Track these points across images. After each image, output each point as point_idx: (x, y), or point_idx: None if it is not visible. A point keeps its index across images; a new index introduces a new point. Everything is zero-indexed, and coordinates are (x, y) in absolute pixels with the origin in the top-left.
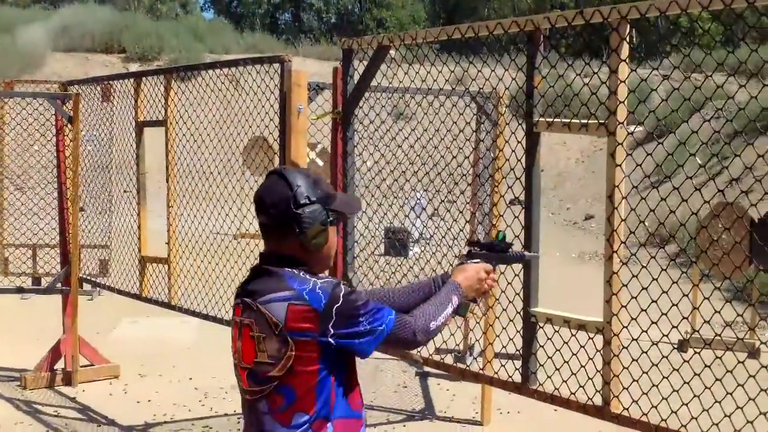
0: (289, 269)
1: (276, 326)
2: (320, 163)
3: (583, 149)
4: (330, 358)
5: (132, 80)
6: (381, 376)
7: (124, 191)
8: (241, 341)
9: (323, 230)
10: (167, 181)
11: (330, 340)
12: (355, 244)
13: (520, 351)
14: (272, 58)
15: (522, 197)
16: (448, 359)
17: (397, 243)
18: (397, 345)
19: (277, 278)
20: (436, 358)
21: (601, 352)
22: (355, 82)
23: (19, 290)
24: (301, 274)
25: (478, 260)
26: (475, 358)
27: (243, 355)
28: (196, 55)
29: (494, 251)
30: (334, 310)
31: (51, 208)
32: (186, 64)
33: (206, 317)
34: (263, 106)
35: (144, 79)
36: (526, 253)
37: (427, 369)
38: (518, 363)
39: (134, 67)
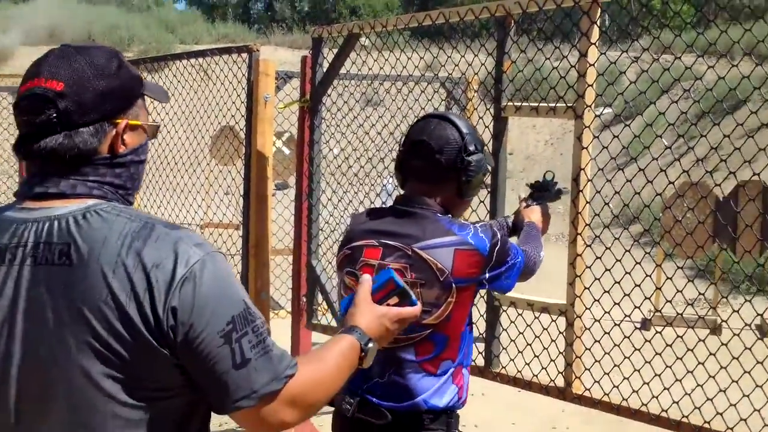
0: (441, 215)
1: (442, 273)
2: (287, 151)
3: (553, 132)
4: (473, 301)
5: None
6: None
7: None
8: None
9: (482, 180)
10: None
11: (485, 281)
12: (320, 231)
13: (483, 335)
14: (240, 48)
15: (488, 180)
16: None
17: None
18: (521, 278)
19: (432, 223)
20: None
21: (564, 334)
22: (324, 70)
23: None
24: (452, 218)
25: (541, 201)
26: None
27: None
28: (167, 46)
29: (547, 190)
30: (495, 251)
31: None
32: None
33: None
34: (230, 96)
35: None
36: (562, 188)
37: None
38: (481, 346)
39: None
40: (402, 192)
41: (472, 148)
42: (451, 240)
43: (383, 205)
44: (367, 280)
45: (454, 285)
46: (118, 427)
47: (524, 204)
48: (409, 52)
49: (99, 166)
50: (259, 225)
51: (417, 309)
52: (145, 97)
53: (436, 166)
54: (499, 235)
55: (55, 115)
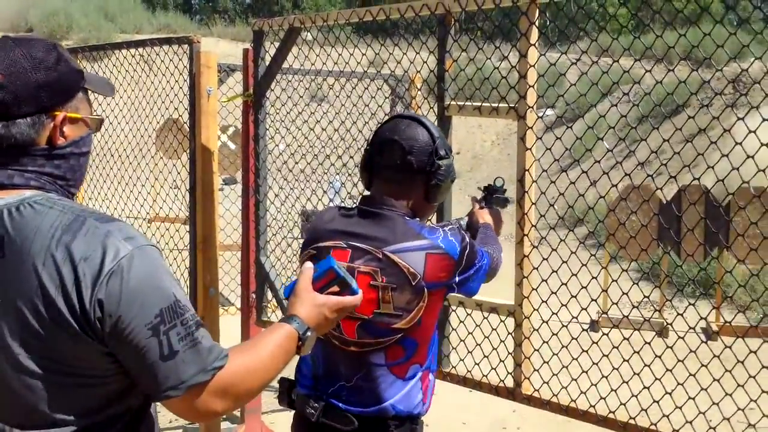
0: (409, 218)
1: (414, 277)
2: (232, 146)
3: (499, 132)
4: (441, 305)
5: None
6: (296, 359)
7: None
8: None
9: (450, 186)
10: None
11: (454, 285)
12: (268, 227)
13: None
14: (181, 39)
15: None
16: None
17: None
18: (485, 280)
19: (401, 226)
20: None
21: (513, 334)
22: (267, 64)
23: None
24: (421, 222)
25: (491, 205)
26: None
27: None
28: (107, 34)
29: (497, 195)
30: (465, 255)
31: None
32: (94, 44)
33: None
34: (172, 88)
35: None
36: (508, 198)
37: None
38: None
39: None
40: (366, 192)
41: (442, 152)
42: (422, 244)
43: (331, 203)
44: (308, 268)
45: (426, 289)
46: (54, 410)
47: (477, 206)
48: (352, 49)
49: (37, 158)
50: (206, 220)
51: (357, 298)
52: (89, 90)
53: (406, 166)
54: (467, 239)
55: None
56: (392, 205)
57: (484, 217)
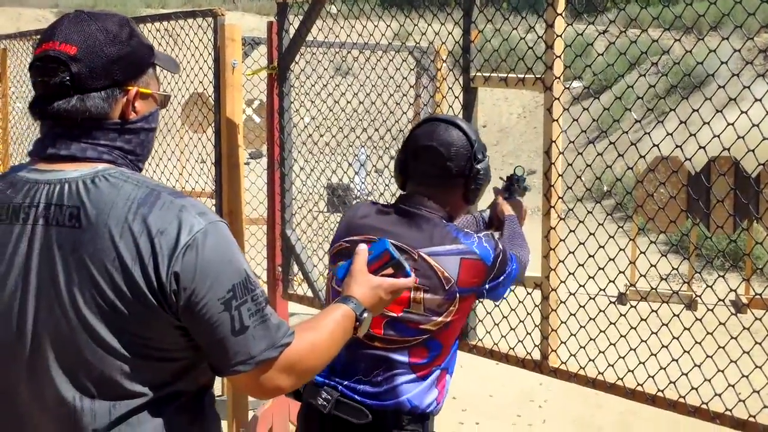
0: (446, 220)
1: (447, 281)
2: (257, 119)
3: (525, 105)
4: (470, 311)
5: None
6: None
7: None
8: None
9: (486, 187)
10: None
11: (484, 291)
12: (294, 201)
13: None
14: (205, 12)
15: None
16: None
17: (335, 200)
18: (512, 284)
19: (438, 229)
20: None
21: (539, 307)
22: (291, 36)
23: None
24: (458, 226)
25: (514, 195)
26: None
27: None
28: (132, 9)
29: (518, 184)
30: (498, 262)
31: None
32: None
33: None
34: (197, 62)
35: None
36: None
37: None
38: None
39: None
40: (403, 191)
41: (480, 156)
42: (458, 248)
43: (356, 176)
44: (363, 250)
45: (458, 294)
46: (124, 381)
47: (501, 197)
48: (377, 21)
49: (109, 131)
50: (232, 194)
51: (411, 280)
52: (156, 67)
53: (445, 172)
54: (500, 246)
55: (68, 78)
56: (431, 206)
57: (508, 209)
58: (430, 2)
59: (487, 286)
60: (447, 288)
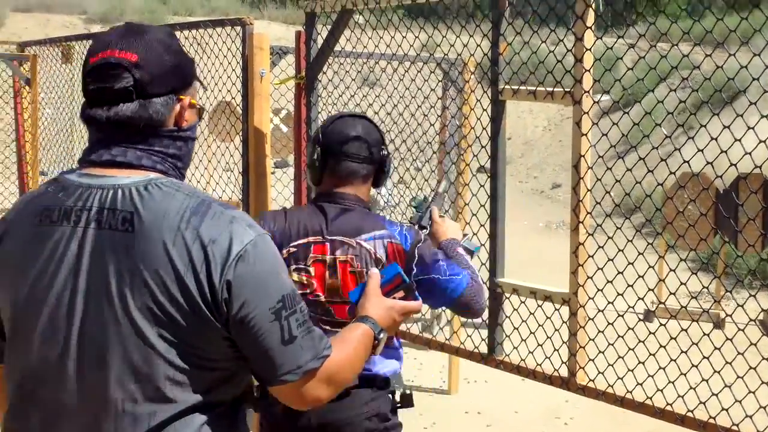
0: (367, 209)
1: (379, 262)
2: (284, 128)
3: (551, 117)
4: None
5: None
6: None
7: None
8: (339, 277)
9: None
10: None
11: (413, 281)
12: None
13: (485, 321)
14: (233, 21)
15: (488, 165)
16: (415, 328)
17: None
18: (464, 306)
19: (369, 218)
20: (402, 327)
21: (567, 323)
22: (319, 46)
23: None
24: (383, 216)
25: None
26: (441, 328)
27: (344, 290)
28: (160, 17)
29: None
30: (416, 250)
31: (10, 172)
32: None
33: None
34: (225, 71)
35: None
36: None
37: None
38: (485, 333)
39: (96, 29)
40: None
41: (385, 142)
42: (384, 233)
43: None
44: (375, 273)
45: None
46: (168, 387)
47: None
48: (405, 32)
49: (164, 138)
50: (258, 203)
51: (420, 304)
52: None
53: (368, 162)
54: (423, 239)
55: (131, 83)
56: (356, 199)
57: (445, 231)
58: (457, 14)
59: (413, 275)
60: (379, 268)
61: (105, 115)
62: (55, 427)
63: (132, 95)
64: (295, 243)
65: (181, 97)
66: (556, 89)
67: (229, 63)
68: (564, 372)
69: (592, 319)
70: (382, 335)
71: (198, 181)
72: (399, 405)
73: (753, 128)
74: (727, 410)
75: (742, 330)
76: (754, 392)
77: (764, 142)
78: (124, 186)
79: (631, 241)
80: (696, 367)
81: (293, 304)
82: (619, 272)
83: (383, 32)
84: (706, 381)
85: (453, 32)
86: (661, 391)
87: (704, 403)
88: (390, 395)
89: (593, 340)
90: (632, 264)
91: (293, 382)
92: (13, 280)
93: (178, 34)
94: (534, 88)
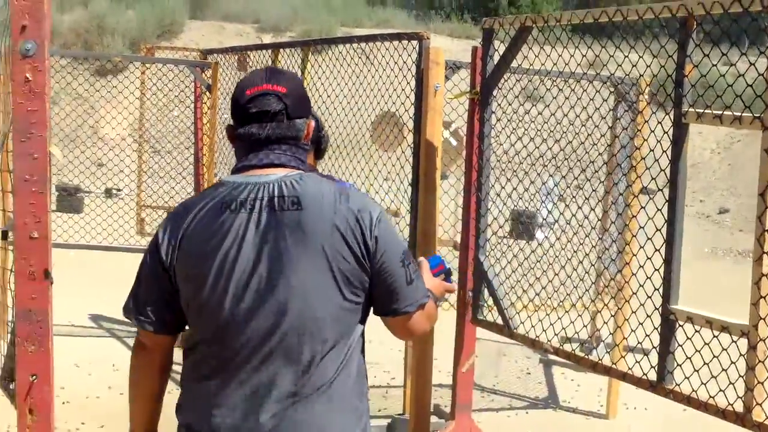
0: None
1: None
2: (454, 142)
3: (720, 140)
4: None
5: (269, 51)
6: (504, 361)
7: None
8: None
9: None
10: None
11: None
12: (488, 227)
13: (656, 348)
14: (410, 35)
15: (651, 186)
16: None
17: (519, 226)
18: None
19: None
20: (567, 348)
21: (745, 356)
22: (494, 62)
23: None
24: None
25: None
26: (607, 352)
27: None
28: (329, 27)
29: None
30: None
31: (187, 173)
32: (322, 38)
33: None
34: (392, 83)
35: (281, 50)
36: None
37: (551, 357)
38: (651, 359)
39: (267, 38)
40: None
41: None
42: None
43: (542, 204)
44: (424, 261)
45: None
46: (343, 328)
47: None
48: (571, 48)
49: (299, 148)
50: (426, 215)
51: (454, 285)
52: None
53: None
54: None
55: (284, 108)
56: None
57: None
58: (627, 33)
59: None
60: None
61: (265, 131)
62: (239, 370)
63: (284, 117)
64: None
65: (309, 120)
66: (744, 114)
67: (396, 75)
68: (739, 407)
69: None
70: (437, 302)
71: (358, 189)
72: None
73: None
74: None
75: None
76: None
77: None
78: (284, 179)
79: None
80: None
81: (410, 257)
82: None
83: (550, 49)
84: None
85: (621, 51)
86: None
87: None
88: None
89: None
90: None
91: (411, 312)
92: (199, 259)
93: (346, 45)
94: (720, 113)
